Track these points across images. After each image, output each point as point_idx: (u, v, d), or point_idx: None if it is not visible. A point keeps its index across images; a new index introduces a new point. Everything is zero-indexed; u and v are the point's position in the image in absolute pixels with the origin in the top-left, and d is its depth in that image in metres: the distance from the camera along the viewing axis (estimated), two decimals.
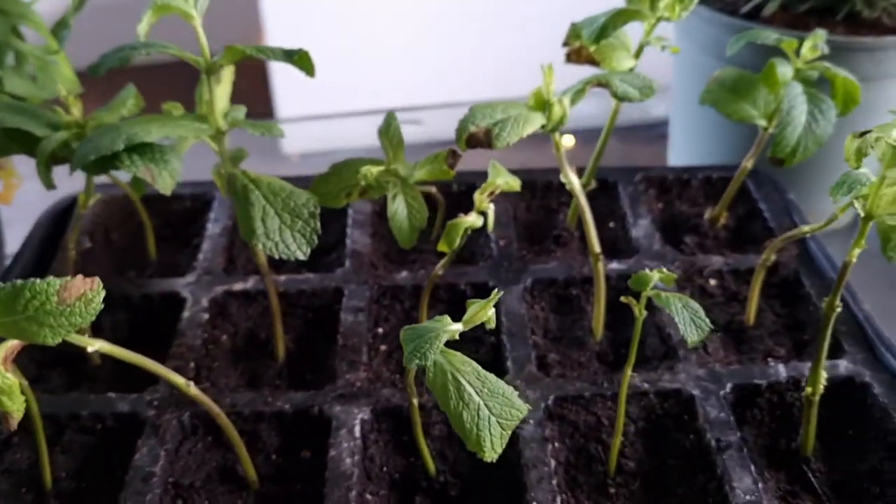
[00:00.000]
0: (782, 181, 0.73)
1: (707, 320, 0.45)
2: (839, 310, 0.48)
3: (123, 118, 0.52)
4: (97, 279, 0.37)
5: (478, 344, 0.62)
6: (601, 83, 0.53)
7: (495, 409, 0.39)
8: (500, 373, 0.58)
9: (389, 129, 0.54)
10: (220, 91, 0.61)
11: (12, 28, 0.67)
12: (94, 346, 0.40)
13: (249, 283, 0.65)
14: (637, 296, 0.47)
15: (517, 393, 0.54)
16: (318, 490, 0.50)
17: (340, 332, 0.61)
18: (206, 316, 0.62)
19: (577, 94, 0.53)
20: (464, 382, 0.39)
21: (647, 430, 0.55)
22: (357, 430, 0.53)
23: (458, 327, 0.39)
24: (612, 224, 0.72)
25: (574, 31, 0.55)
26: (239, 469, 0.53)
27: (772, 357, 0.59)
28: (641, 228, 0.69)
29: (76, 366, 0.61)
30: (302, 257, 0.49)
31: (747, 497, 0.48)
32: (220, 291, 0.64)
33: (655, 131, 1.03)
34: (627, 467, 0.52)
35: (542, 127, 0.52)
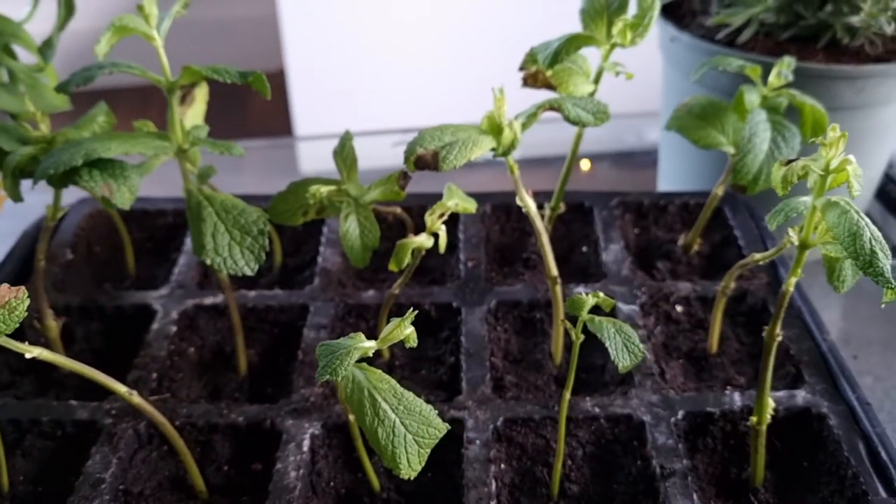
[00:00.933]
0: (758, 208, 0.73)
1: (640, 346, 0.45)
2: (779, 339, 0.48)
3: (94, 135, 0.54)
4: (23, 288, 0.38)
5: (438, 364, 0.63)
6: (553, 107, 0.54)
7: (412, 427, 0.39)
8: (454, 392, 0.58)
9: (343, 150, 0.55)
10: (193, 110, 0.63)
11: (4, 46, 0.69)
12: (33, 353, 0.42)
13: (220, 298, 0.66)
14: (574, 320, 0.47)
15: (466, 413, 0.55)
16: (263, 502, 0.51)
17: (301, 347, 0.61)
18: (175, 328, 0.63)
19: (530, 118, 0.54)
20: (379, 399, 0.39)
21: (595, 454, 0.55)
22: (306, 444, 0.54)
23: (371, 345, 0.40)
24: (584, 248, 0.72)
25: (531, 56, 0.55)
26: (189, 479, 0.54)
27: (731, 385, 0.58)
28: (612, 253, 0.69)
29: (48, 373, 0.63)
30: (249, 273, 0.50)
31: None
32: (191, 305, 0.65)
33: (650, 157, 1.03)
34: (571, 491, 0.52)
35: (493, 150, 0.53)
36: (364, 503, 0.53)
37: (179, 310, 0.65)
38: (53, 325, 0.61)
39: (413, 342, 0.41)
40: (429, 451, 0.40)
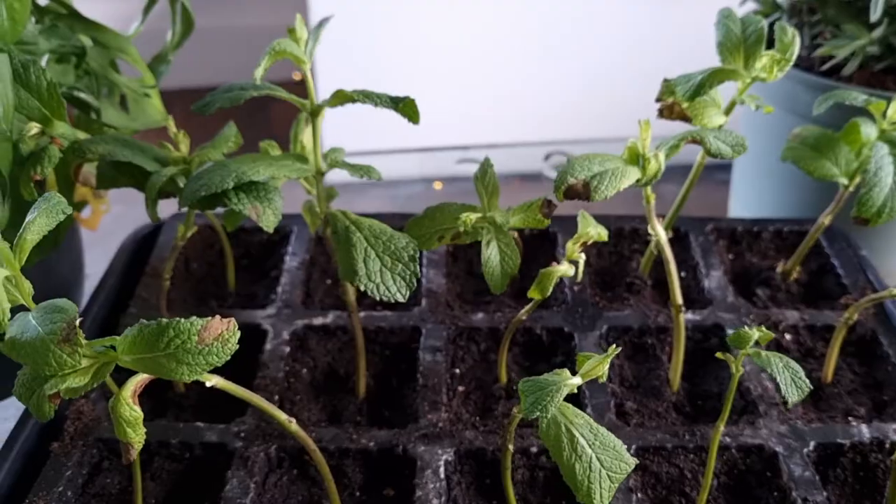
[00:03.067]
0: (853, 237, 0.74)
1: (807, 381, 0.46)
2: None
3: (237, 157, 0.54)
4: (233, 320, 0.38)
5: None
6: (695, 140, 0.54)
7: (606, 463, 0.40)
8: None
9: (485, 176, 0.55)
10: (303, 131, 0.63)
11: (110, 61, 0.69)
12: (212, 381, 0.41)
13: (329, 318, 0.66)
14: (729, 350, 0.47)
15: None
16: None
17: (420, 371, 0.61)
18: (288, 349, 0.63)
19: (672, 149, 0.54)
20: (577, 435, 0.39)
21: (730, 485, 0.55)
22: (441, 471, 0.54)
23: (577, 381, 0.40)
24: (683, 273, 0.73)
25: (668, 88, 0.56)
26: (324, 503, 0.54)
27: (852, 416, 0.59)
28: (714, 279, 0.70)
29: (161, 393, 0.62)
30: (402, 300, 0.50)
31: None
32: (301, 325, 0.65)
33: (714, 176, 1.04)
34: None
35: (637, 181, 0.53)
36: None
37: (290, 330, 0.65)
38: None
39: (604, 378, 0.41)
40: (618, 485, 0.41)
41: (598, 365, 0.40)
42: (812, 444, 0.56)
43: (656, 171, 0.53)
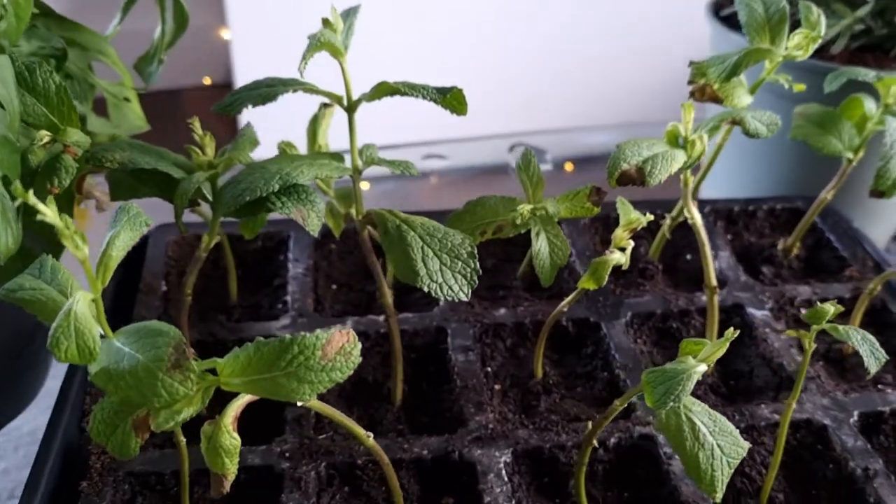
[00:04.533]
0: (844, 211, 0.76)
1: (882, 351, 0.46)
2: None
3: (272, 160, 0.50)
4: (352, 332, 0.35)
5: (591, 380, 0.62)
6: (735, 121, 0.54)
7: (726, 449, 0.39)
8: (627, 410, 0.57)
9: (529, 167, 0.53)
10: (323, 128, 0.60)
11: (88, 64, 0.63)
12: (307, 402, 0.38)
13: (347, 325, 0.63)
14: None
15: (651, 428, 0.55)
16: None
17: (455, 372, 0.59)
18: None
19: (712, 130, 0.54)
20: (698, 423, 0.38)
21: (785, 461, 0.55)
22: (504, 474, 0.52)
23: (703, 368, 0.39)
24: (688, 256, 0.73)
25: (699, 70, 0.56)
26: None
27: (881, 384, 0.61)
28: (724, 260, 0.70)
29: None
30: (464, 298, 0.48)
31: None
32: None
33: None
34: (778, 500, 0.53)
35: (684, 164, 0.53)
36: None
37: None
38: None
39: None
40: (733, 471, 0.40)
41: (717, 349, 0.39)
42: (856, 413, 0.57)
43: (701, 152, 0.53)
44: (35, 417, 0.70)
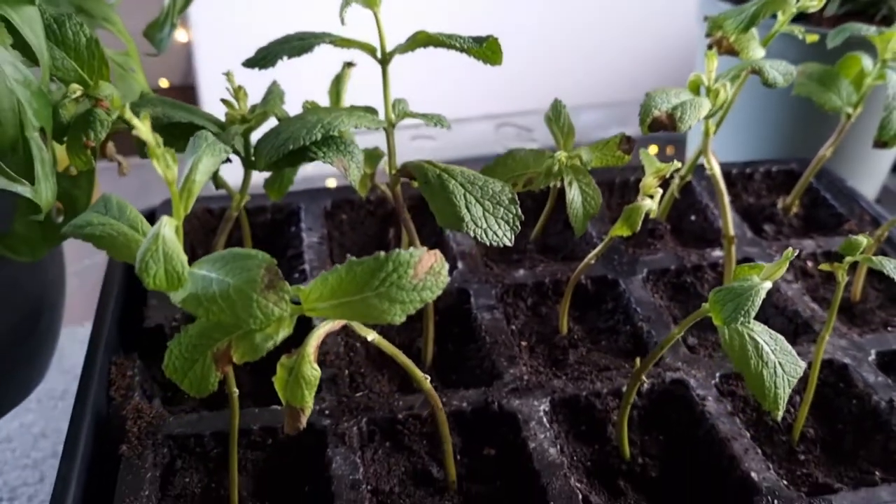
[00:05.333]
0: (836, 170, 0.78)
1: None
2: None
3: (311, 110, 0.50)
4: (439, 252, 0.35)
5: (615, 333, 0.62)
6: (754, 70, 0.56)
7: (787, 367, 0.40)
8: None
9: (560, 118, 0.54)
10: (346, 87, 0.59)
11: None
12: (372, 335, 0.38)
13: None
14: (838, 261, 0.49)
15: (682, 374, 0.56)
16: (528, 483, 0.49)
17: (484, 329, 0.60)
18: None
19: (734, 79, 0.55)
20: (761, 342, 0.39)
21: (810, 400, 0.57)
22: (545, 421, 0.52)
23: (768, 284, 0.40)
24: (693, 217, 0.75)
25: (715, 23, 0.57)
26: (433, 471, 0.51)
27: (890, 327, 0.63)
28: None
29: None
30: (508, 243, 0.48)
31: None
32: None
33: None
34: (810, 435, 0.54)
35: (709, 111, 0.54)
36: (620, 471, 0.52)
37: None
38: None
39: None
40: (791, 389, 0.41)
41: (778, 268, 0.40)
42: (873, 352, 0.58)
43: (724, 100, 0.54)
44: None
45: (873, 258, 0.48)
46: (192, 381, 0.34)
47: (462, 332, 0.62)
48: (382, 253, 0.34)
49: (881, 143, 0.63)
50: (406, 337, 0.62)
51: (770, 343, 0.40)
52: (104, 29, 0.63)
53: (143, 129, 0.28)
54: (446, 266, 0.35)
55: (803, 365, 0.41)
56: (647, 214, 0.74)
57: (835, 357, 0.58)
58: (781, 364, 0.40)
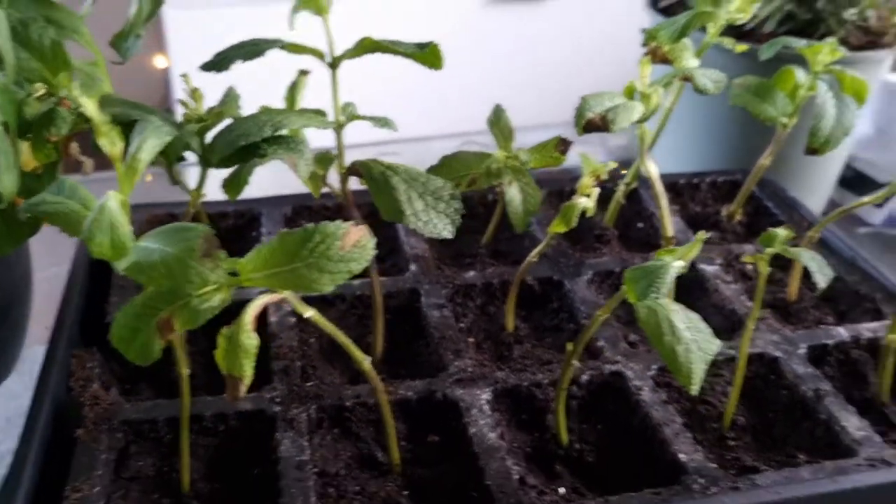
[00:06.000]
0: (777, 181, 0.82)
1: (829, 268, 0.51)
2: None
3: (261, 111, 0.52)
4: (366, 227, 0.38)
5: (559, 331, 0.65)
6: (686, 77, 0.59)
7: (702, 345, 0.42)
8: (595, 353, 0.61)
9: (500, 121, 0.57)
10: (301, 94, 0.62)
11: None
12: (309, 312, 0.41)
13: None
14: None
15: (620, 366, 0.58)
16: (467, 466, 0.51)
17: (432, 325, 0.62)
18: (294, 319, 0.62)
19: (666, 85, 0.59)
20: (675, 320, 0.42)
21: (741, 391, 0.59)
22: (487, 409, 0.55)
23: (681, 263, 0.43)
24: (640, 224, 0.78)
25: (650, 34, 0.61)
26: (378, 455, 0.53)
27: (823, 325, 0.66)
28: (674, 224, 0.75)
29: (161, 378, 0.59)
30: (449, 235, 0.51)
31: (860, 433, 0.54)
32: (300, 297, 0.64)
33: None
34: (740, 422, 0.57)
35: (641, 115, 0.57)
36: (558, 456, 0.54)
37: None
38: None
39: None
40: (707, 367, 0.44)
41: (691, 249, 0.43)
42: (804, 346, 0.61)
43: (656, 104, 0.58)
44: None
45: (789, 249, 0.51)
46: (136, 349, 0.37)
47: (413, 330, 0.64)
48: (312, 224, 0.37)
49: (812, 150, 0.67)
50: (358, 332, 0.64)
51: (684, 321, 0.42)
52: (73, 40, 0.66)
53: (89, 106, 0.31)
54: (373, 240, 0.37)
55: (718, 343, 0.44)
56: (596, 221, 0.77)
57: (766, 351, 0.61)
58: (696, 341, 0.42)
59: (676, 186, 0.82)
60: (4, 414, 0.69)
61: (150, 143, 0.36)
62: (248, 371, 0.38)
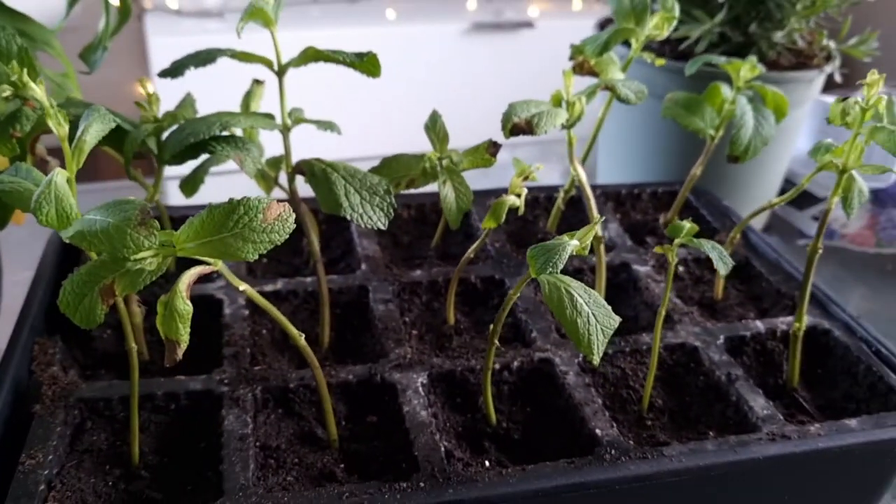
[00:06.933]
0: (713, 191, 0.87)
1: (730, 258, 0.56)
2: (821, 251, 0.60)
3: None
4: (287, 204, 0.42)
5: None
6: (608, 87, 0.64)
7: (600, 318, 0.47)
8: (528, 343, 0.66)
9: (436, 125, 0.62)
10: (256, 102, 0.67)
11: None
12: (243, 286, 0.45)
13: (279, 285, 0.70)
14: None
15: (551, 354, 0.63)
16: (399, 441, 0.55)
17: (378, 318, 0.66)
18: (247, 311, 0.66)
19: (589, 95, 0.64)
20: (576, 295, 0.46)
21: (663, 377, 0.64)
22: (421, 390, 0.59)
23: (576, 243, 0.47)
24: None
25: (577, 49, 0.66)
26: (317, 434, 0.57)
27: (745, 320, 0.70)
28: (612, 230, 0.80)
29: (120, 364, 0.63)
30: (382, 227, 0.56)
31: (764, 412, 0.58)
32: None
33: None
34: (658, 405, 0.61)
35: (566, 121, 0.62)
36: (486, 434, 0.58)
37: (244, 297, 0.68)
38: (138, 311, 0.62)
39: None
40: (608, 339, 0.48)
41: (589, 231, 0.48)
42: (722, 337, 0.66)
43: (580, 112, 0.63)
44: None
45: (694, 239, 0.56)
46: (82, 313, 0.41)
47: (360, 324, 0.69)
48: (236, 198, 0.41)
49: (733, 158, 0.72)
50: (309, 326, 0.68)
51: (584, 297, 0.47)
52: (45, 52, 0.71)
53: (38, 92, 0.36)
54: (293, 216, 0.42)
55: (617, 319, 0.48)
56: (540, 227, 0.82)
57: (687, 341, 0.65)
58: (595, 315, 0.47)
59: (619, 196, 0.87)
60: None
61: (95, 127, 0.40)
62: (183, 335, 0.42)
